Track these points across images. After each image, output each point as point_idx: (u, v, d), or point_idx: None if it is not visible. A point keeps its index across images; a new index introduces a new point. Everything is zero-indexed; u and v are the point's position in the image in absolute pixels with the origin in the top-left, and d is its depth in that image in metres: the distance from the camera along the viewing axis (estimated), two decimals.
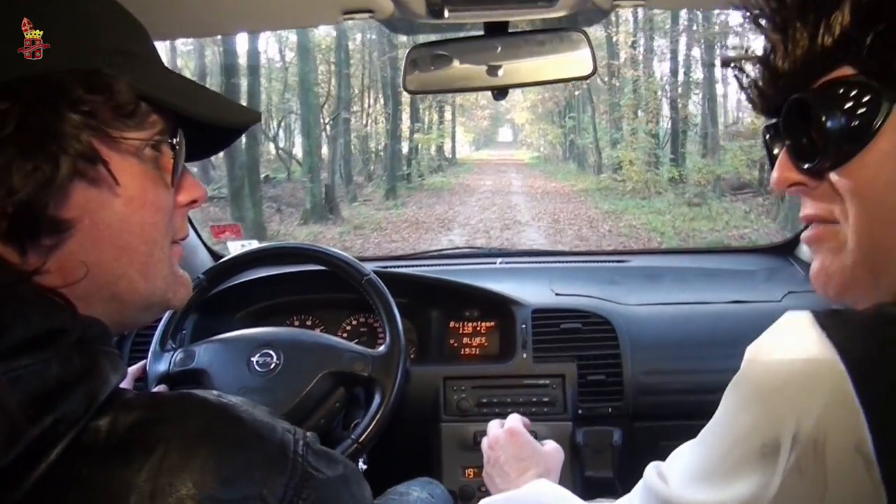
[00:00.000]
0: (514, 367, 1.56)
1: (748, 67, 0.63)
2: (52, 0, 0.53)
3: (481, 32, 1.19)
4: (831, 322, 0.45)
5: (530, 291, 1.71)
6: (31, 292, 0.50)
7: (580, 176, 19.56)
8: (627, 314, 1.62)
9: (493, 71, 1.19)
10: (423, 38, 1.30)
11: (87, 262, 0.54)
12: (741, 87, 0.64)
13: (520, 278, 1.88)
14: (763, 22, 0.59)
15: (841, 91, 0.54)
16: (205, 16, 1.12)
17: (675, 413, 1.47)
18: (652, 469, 0.58)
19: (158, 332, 1.43)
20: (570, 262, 2.13)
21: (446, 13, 1.08)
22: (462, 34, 1.23)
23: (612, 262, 2.07)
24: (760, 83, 0.61)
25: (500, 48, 1.18)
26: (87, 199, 0.53)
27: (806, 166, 0.58)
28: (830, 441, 0.42)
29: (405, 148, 19.12)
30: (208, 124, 0.60)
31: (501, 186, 18.72)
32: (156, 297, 0.61)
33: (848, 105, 0.53)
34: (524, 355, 1.56)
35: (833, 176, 0.56)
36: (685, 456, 0.55)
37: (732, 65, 0.64)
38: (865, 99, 0.53)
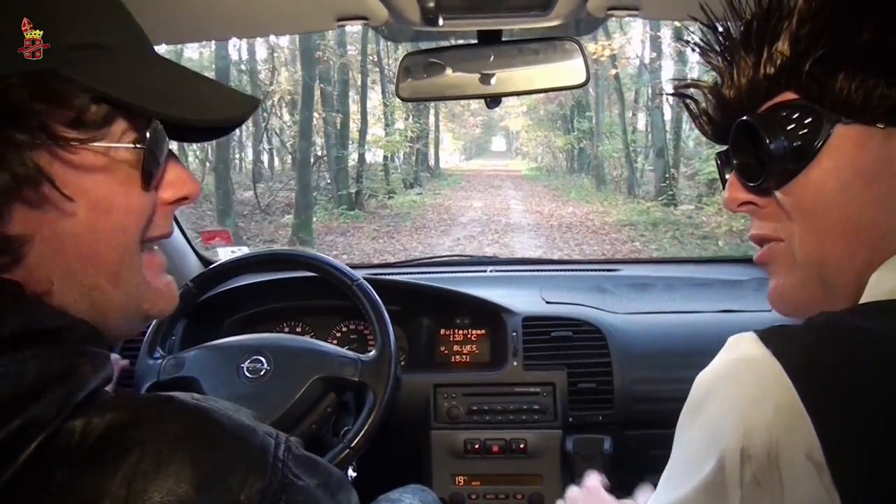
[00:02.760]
0: (504, 374, 1.56)
1: (699, 97, 0.66)
2: None
3: (475, 41, 1.19)
4: (774, 336, 0.47)
5: (521, 300, 1.72)
6: (8, 295, 0.49)
7: (604, 197, 14.35)
8: (618, 323, 1.62)
9: (486, 79, 1.19)
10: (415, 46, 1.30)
11: (52, 275, 0.51)
12: (691, 115, 0.67)
13: (511, 286, 1.88)
14: (710, 53, 0.64)
15: (784, 114, 0.58)
16: (199, 21, 1.11)
17: (665, 421, 1.45)
18: None
19: (147, 340, 1.42)
20: (561, 270, 2.14)
21: (440, 21, 1.08)
22: (455, 42, 1.24)
23: (603, 270, 2.08)
24: (710, 111, 0.65)
25: (493, 56, 1.19)
26: (35, 217, 0.50)
27: (753, 185, 0.62)
28: (783, 450, 0.43)
29: (377, 156, 15.98)
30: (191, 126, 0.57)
31: (495, 210, 13.63)
32: (131, 307, 0.58)
33: (790, 127, 0.57)
34: (515, 363, 1.56)
35: (779, 194, 0.59)
36: (658, 491, 0.56)
37: (682, 94, 0.68)
38: (806, 121, 0.56)
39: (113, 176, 0.54)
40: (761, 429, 0.44)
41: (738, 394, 0.46)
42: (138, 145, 0.54)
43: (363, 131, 15.19)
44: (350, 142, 14.54)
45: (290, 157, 15.99)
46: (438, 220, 12.38)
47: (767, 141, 0.57)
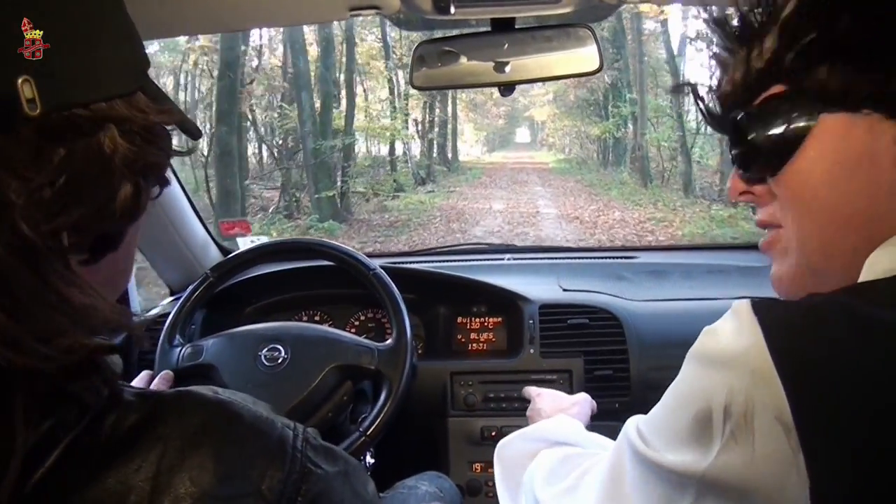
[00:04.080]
0: (521, 362, 1.57)
1: (704, 91, 0.70)
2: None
3: (488, 28, 1.19)
4: (764, 308, 0.51)
5: (538, 287, 1.72)
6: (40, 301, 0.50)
7: (656, 197, 12.09)
8: (634, 310, 1.62)
9: (500, 67, 1.19)
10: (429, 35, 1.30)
11: (99, 273, 0.54)
12: (699, 110, 0.71)
13: (527, 274, 1.88)
14: (714, 48, 0.67)
15: (771, 106, 0.61)
16: (211, 12, 1.12)
17: None
18: (632, 422, 0.64)
19: (167, 327, 1.44)
20: (578, 258, 2.13)
21: (452, 9, 1.08)
22: (469, 30, 1.23)
23: (620, 258, 2.07)
24: (710, 105, 0.69)
25: (506, 44, 1.18)
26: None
27: (747, 176, 0.66)
28: (757, 411, 0.47)
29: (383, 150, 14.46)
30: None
31: (520, 215, 11.51)
32: (126, 284, 0.64)
33: (778, 118, 0.60)
34: (531, 351, 1.57)
35: (771, 183, 0.63)
36: (653, 414, 0.61)
37: (687, 89, 0.72)
38: (792, 112, 0.59)
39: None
40: (742, 391, 0.48)
41: (726, 357, 0.50)
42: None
43: (349, 117, 12.76)
44: (338, 132, 12.36)
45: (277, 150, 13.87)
46: (446, 232, 10.41)
47: (758, 132, 0.61)
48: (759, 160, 0.62)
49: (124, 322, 0.51)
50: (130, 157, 0.49)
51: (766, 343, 0.48)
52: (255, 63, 12.50)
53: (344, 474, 0.58)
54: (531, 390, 1.36)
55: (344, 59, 13.40)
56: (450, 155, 20.38)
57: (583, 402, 1.28)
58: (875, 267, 0.54)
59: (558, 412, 1.20)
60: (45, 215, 0.44)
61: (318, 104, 12.14)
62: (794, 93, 0.59)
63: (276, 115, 13.05)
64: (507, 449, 1.07)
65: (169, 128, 0.56)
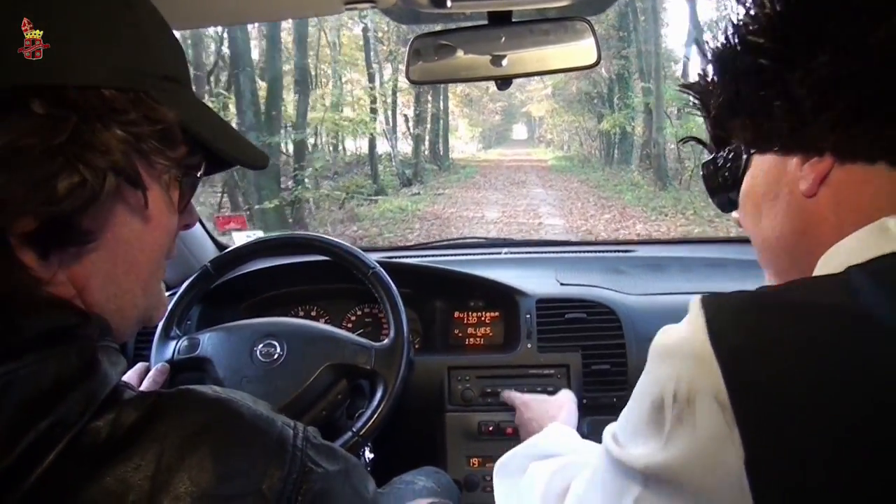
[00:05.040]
0: (518, 357, 1.56)
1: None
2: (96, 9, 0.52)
3: (485, 22, 1.18)
4: (709, 301, 0.56)
5: (535, 281, 1.71)
6: (40, 297, 0.50)
7: (681, 203, 10.40)
8: (632, 304, 1.61)
9: (496, 61, 1.18)
10: (425, 28, 1.29)
11: (93, 274, 0.54)
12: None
13: (525, 268, 1.88)
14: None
15: (724, 151, 0.75)
16: (206, 6, 1.11)
17: None
18: (608, 430, 0.67)
19: (163, 320, 1.43)
20: (576, 251, 2.13)
21: (449, 2, 1.07)
22: (465, 24, 1.22)
23: (618, 251, 2.07)
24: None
25: (503, 38, 1.18)
26: (117, 217, 0.54)
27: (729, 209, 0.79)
28: (698, 393, 0.52)
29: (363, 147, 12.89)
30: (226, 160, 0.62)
31: (517, 228, 10.12)
32: (148, 312, 0.63)
33: (725, 161, 0.74)
34: (529, 345, 1.57)
35: (734, 214, 0.78)
36: (622, 414, 0.65)
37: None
38: (731, 154, 0.73)
39: (164, 194, 0.58)
40: (685, 377, 0.53)
41: (674, 349, 0.56)
42: (198, 173, 0.61)
43: (301, 111, 11.12)
44: (289, 126, 10.62)
45: None
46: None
47: (712, 175, 0.77)
48: (722, 196, 0.77)
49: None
50: (90, 150, 0.48)
51: (707, 331, 0.53)
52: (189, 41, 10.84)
53: (344, 473, 0.58)
54: (514, 397, 1.40)
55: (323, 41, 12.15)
56: (442, 152, 19.10)
57: (569, 404, 1.31)
58: (829, 264, 0.60)
59: (549, 420, 1.23)
60: None
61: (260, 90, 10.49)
62: (729, 141, 0.73)
63: (213, 102, 10.78)
64: (507, 468, 1.09)
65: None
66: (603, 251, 2.09)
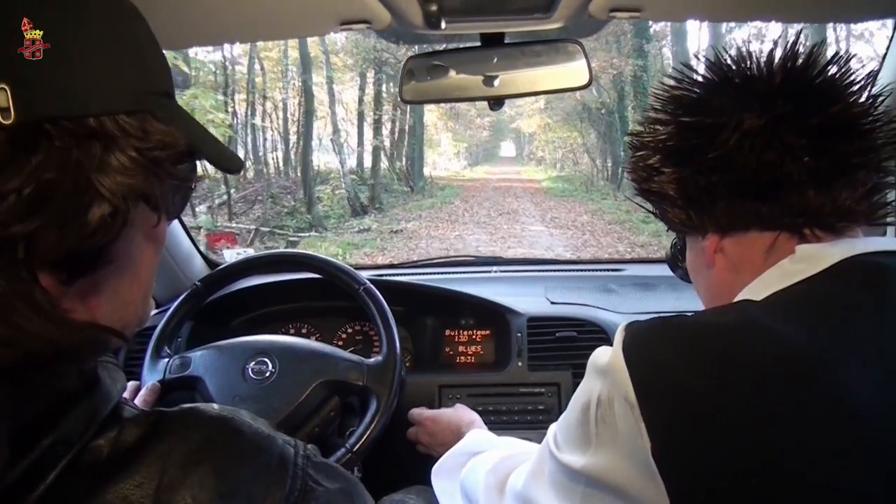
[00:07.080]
0: (509, 375, 1.57)
1: None
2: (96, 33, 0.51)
3: (478, 43, 1.19)
4: (629, 326, 0.67)
5: (526, 300, 1.72)
6: (44, 313, 0.48)
7: None
8: (622, 323, 1.62)
9: (489, 81, 1.20)
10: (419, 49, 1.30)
11: (108, 289, 0.54)
12: None
13: (515, 287, 1.88)
14: None
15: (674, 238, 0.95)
16: (202, 26, 1.12)
17: None
18: (550, 430, 0.77)
19: (154, 339, 1.43)
20: (566, 270, 2.14)
21: (443, 24, 1.08)
22: (458, 45, 1.24)
23: (608, 270, 2.08)
24: None
25: (496, 59, 1.19)
26: (134, 239, 0.54)
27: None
28: (614, 396, 0.63)
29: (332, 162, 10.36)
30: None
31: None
32: (144, 318, 0.63)
33: (675, 242, 0.96)
34: (519, 363, 1.57)
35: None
36: (560, 418, 0.75)
37: None
38: (675, 238, 0.95)
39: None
40: (606, 386, 0.64)
41: (600, 364, 0.67)
42: (193, 185, 0.60)
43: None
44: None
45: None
46: None
47: (668, 260, 1.01)
48: (679, 271, 0.96)
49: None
50: (114, 178, 0.48)
51: (622, 347, 0.64)
52: None
53: (344, 491, 0.58)
54: (422, 412, 1.45)
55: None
56: (417, 169, 15.99)
57: (475, 414, 1.41)
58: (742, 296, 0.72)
59: (466, 425, 1.34)
60: (1, 223, 0.44)
61: None
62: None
63: None
64: (443, 468, 1.20)
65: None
66: (593, 270, 2.10)
